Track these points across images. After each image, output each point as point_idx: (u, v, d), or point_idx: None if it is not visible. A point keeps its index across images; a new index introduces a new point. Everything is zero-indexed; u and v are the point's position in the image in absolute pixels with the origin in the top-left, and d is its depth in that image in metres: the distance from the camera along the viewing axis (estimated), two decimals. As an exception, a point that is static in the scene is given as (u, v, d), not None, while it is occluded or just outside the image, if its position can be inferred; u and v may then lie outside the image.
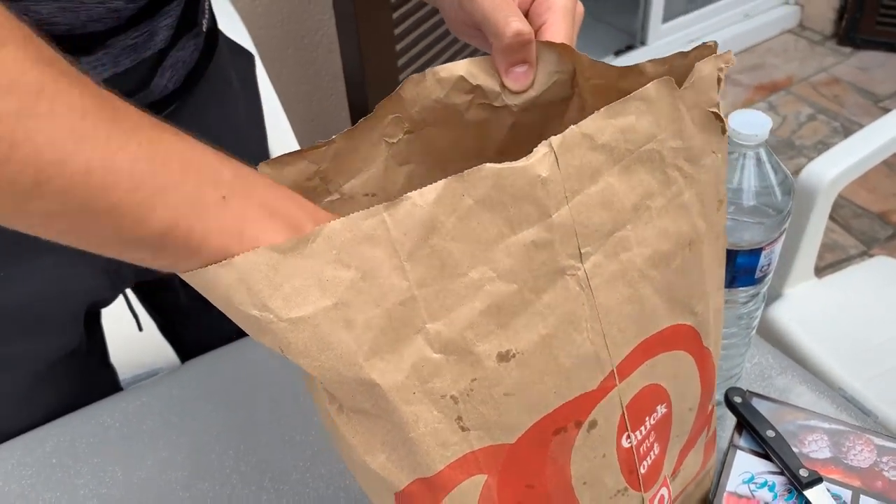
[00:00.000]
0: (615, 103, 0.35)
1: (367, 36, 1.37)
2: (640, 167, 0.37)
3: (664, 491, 0.47)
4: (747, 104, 2.35)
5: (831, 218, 1.94)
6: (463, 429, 0.37)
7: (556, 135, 0.47)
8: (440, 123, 0.45)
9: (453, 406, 0.36)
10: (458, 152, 0.47)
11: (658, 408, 0.44)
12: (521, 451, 0.38)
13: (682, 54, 0.41)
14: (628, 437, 0.42)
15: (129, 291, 0.76)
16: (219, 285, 0.33)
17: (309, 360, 0.34)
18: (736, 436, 0.56)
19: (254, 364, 0.73)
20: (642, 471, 0.44)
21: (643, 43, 2.49)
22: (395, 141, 0.45)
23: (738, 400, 0.57)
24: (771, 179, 0.51)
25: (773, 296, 1.14)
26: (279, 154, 0.43)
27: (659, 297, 0.40)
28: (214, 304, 0.34)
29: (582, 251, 0.36)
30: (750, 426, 0.55)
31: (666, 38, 2.50)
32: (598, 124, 0.35)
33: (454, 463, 0.38)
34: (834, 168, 1.07)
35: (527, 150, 0.47)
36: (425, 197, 0.32)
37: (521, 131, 0.46)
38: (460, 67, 0.44)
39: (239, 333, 0.76)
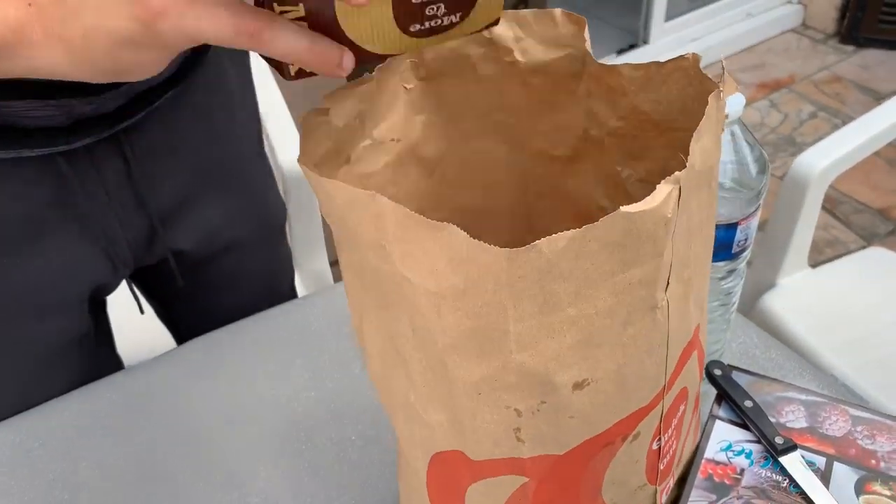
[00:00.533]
0: (700, 126, 0.34)
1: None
2: (703, 185, 0.37)
3: (671, 480, 0.49)
4: (749, 102, 2.36)
5: (832, 214, 1.96)
6: (518, 439, 0.38)
7: (568, 103, 0.47)
8: (454, 74, 0.46)
9: (515, 418, 0.37)
10: (471, 108, 0.48)
11: (681, 407, 0.45)
12: (568, 461, 0.39)
13: (658, 63, 0.42)
14: (658, 440, 0.43)
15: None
16: (360, 217, 0.35)
17: (409, 310, 0.36)
18: (715, 407, 0.58)
19: (252, 343, 0.76)
20: (661, 467, 0.45)
21: (645, 42, 2.51)
22: (410, 87, 0.45)
23: (718, 373, 0.59)
24: (745, 155, 0.53)
25: (767, 285, 1.16)
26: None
27: (693, 304, 0.41)
28: (334, 216, 0.37)
29: (669, 282, 0.36)
30: (729, 397, 0.57)
31: (668, 36, 2.52)
32: (694, 150, 0.34)
33: (500, 460, 0.39)
34: (825, 158, 1.08)
35: (538, 116, 0.48)
36: (552, 245, 0.31)
37: (533, 96, 0.47)
38: None
39: (234, 317, 0.79)
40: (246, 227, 0.81)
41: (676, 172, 0.32)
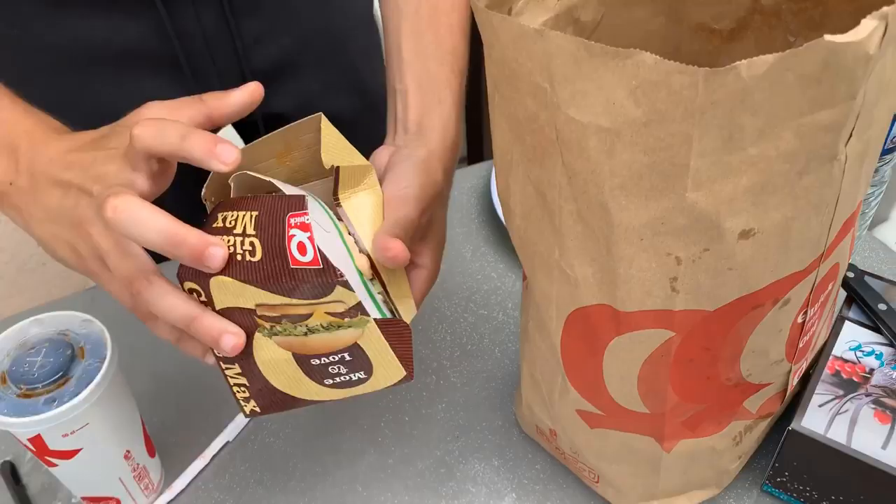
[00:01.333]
0: None
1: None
2: None
3: (804, 363, 0.49)
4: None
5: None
6: (673, 290, 0.37)
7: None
8: None
9: (674, 266, 0.36)
10: None
11: (830, 285, 0.44)
12: (716, 319, 0.39)
13: None
14: (805, 312, 0.42)
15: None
16: (525, 57, 0.34)
17: (567, 156, 0.35)
18: (845, 308, 0.56)
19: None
20: (800, 344, 0.45)
21: None
22: None
23: (850, 275, 0.57)
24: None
25: (880, 218, 1.12)
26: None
27: (864, 173, 0.39)
28: (496, 58, 0.37)
29: (853, 135, 0.34)
30: (861, 299, 0.56)
31: None
32: None
33: (650, 312, 0.39)
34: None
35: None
36: (753, 69, 0.29)
37: None
38: None
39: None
40: (345, 100, 0.80)
41: (884, 8, 0.29)
